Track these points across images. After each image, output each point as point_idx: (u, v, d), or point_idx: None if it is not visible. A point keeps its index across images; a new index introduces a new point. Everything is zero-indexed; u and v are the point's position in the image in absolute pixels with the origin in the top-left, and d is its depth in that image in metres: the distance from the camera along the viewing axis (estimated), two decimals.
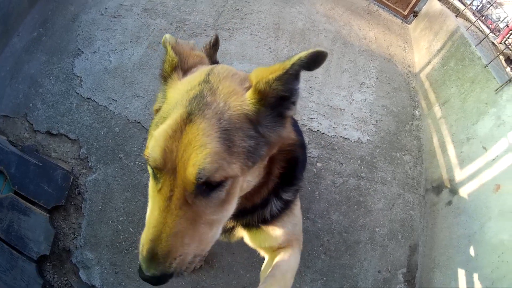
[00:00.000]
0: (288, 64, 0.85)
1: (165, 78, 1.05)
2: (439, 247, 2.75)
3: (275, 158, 1.09)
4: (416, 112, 3.68)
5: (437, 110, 3.41)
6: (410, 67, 4.11)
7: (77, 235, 2.53)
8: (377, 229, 2.93)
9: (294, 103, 0.97)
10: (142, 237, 0.89)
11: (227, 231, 1.40)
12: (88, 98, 3.01)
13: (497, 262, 2.17)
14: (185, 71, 1.05)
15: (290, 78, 0.88)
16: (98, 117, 2.94)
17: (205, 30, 3.65)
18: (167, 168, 0.85)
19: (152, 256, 0.84)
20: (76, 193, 2.65)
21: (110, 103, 3.02)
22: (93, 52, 3.27)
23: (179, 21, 3.66)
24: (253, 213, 1.26)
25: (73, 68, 3.15)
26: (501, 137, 2.54)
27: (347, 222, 2.90)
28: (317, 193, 2.97)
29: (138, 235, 2.48)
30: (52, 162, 2.67)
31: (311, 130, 3.26)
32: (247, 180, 1.00)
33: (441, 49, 3.73)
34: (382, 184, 3.14)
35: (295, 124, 1.46)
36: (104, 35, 3.41)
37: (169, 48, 1.04)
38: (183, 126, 0.84)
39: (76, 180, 2.68)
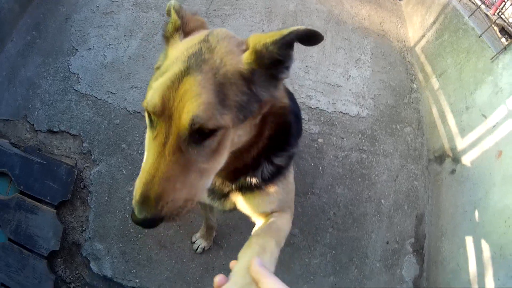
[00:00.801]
0: (286, 31, 0.90)
1: (167, 38, 1.11)
2: (446, 215, 2.76)
3: (266, 119, 1.12)
4: (414, 85, 3.68)
5: (434, 82, 3.41)
6: (404, 41, 4.10)
7: (85, 228, 2.55)
8: (382, 201, 2.95)
9: (287, 68, 1.01)
10: (136, 182, 0.91)
11: (222, 196, 1.42)
12: (86, 94, 3.03)
13: (504, 227, 2.16)
14: (186, 34, 1.10)
15: (285, 44, 0.93)
16: (98, 111, 2.96)
17: None
18: (164, 115, 0.89)
19: (144, 199, 0.87)
20: (82, 186, 2.67)
21: (108, 96, 3.03)
22: (88, 49, 3.29)
23: None
24: (246, 174, 1.29)
25: (69, 67, 3.16)
26: (500, 104, 2.54)
27: (352, 195, 2.92)
28: (320, 168, 2.98)
29: None
30: (55, 159, 2.69)
31: (310, 107, 3.28)
32: (238, 134, 1.04)
33: (434, 22, 3.73)
34: (384, 157, 3.15)
35: (289, 93, 1.51)
36: (97, 32, 3.42)
37: (173, 12, 1.10)
38: (181, 78, 0.88)
39: (81, 174, 2.70)
